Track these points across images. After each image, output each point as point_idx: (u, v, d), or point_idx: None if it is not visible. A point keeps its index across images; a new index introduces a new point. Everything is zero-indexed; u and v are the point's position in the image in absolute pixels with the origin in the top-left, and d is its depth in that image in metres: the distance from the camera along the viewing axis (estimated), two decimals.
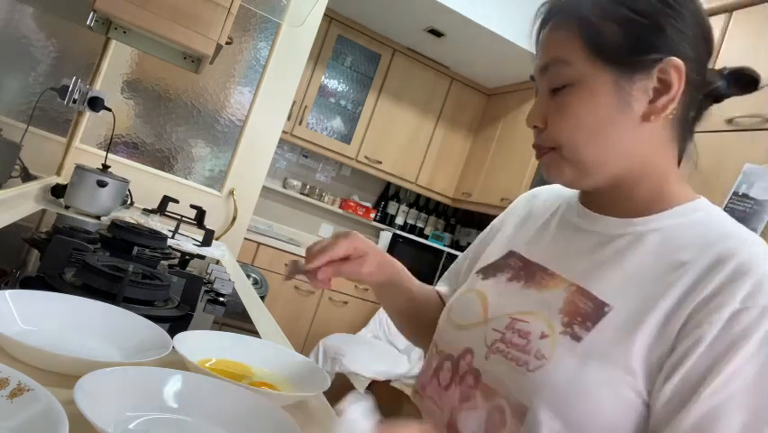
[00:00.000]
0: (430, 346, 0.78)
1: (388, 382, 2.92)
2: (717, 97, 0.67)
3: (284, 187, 3.89)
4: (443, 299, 0.91)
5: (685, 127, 0.66)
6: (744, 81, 0.66)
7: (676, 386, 0.54)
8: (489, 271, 0.76)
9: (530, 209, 0.82)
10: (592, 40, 0.62)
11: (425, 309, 0.89)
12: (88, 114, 2.11)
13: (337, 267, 0.76)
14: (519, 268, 0.72)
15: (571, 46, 0.63)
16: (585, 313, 0.61)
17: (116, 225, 1.30)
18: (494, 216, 0.93)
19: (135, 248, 1.19)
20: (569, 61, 0.63)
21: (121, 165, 2.28)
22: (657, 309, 0.57)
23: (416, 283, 0.90)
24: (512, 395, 0.61)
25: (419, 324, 0.90)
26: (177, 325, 0.95)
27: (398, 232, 3.90)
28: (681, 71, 0.61)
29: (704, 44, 0.64)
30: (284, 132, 3.18)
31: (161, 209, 1.98)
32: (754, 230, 1.52)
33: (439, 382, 0.71)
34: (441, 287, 0.93)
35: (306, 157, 4.01)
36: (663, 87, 0.62)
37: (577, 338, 0.59)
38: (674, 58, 0.61)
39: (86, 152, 2.27)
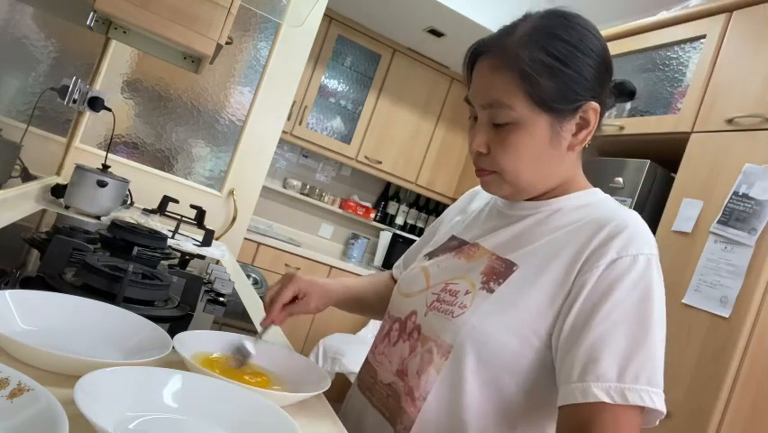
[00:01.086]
0: (384, 316, 0.94)
1: None
2: (608, 108, 0.83)
3: (284, 187, 3.89)
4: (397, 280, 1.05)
5: (591, 142, 0.81)
6: (625, 93, 0.83)
7: (571, 323, 0.69)
8: (433, 253, 0.92)
9: (471, 203, 0.99)
10: (532, 92, 0.74)
11: (379, 298, 1.04)
12: (88, 114, 2.11)
13: (288, 310, 0.93)
14: (455, 247, 0.88)
15: (513, 94, 0.74)
16: (499, 272, 0.77)
17: (116, 225, 1.30)
18: None
19: (135, 248, 1.19)
20: (512, 107, 0.75)
21: (121, 165, 2.28)
22: (554, 265, 0.73)
23: (363, 290, 1.06)
24: (440, 338, 0.77)
25: (375, 310, 1.06)
26: (177, 325, 0.95)
27: (398, 232, 3.90)
28: (597, 111, 0.76)
29: (607, 75, 0.79)
30: (284, 132, 3.18)
31: (161, 209, 1.98)
32: (754, 230, 1.52)
33: (389, 341, 0.87)
34: (395, 270, 1.09)
35: (306, 157, 4.01)
36: (584, 123, 0.77)
37: (491, 291, 0.75)
38: (592, 102, 0.75)
39: (86, 152, 2.27)
